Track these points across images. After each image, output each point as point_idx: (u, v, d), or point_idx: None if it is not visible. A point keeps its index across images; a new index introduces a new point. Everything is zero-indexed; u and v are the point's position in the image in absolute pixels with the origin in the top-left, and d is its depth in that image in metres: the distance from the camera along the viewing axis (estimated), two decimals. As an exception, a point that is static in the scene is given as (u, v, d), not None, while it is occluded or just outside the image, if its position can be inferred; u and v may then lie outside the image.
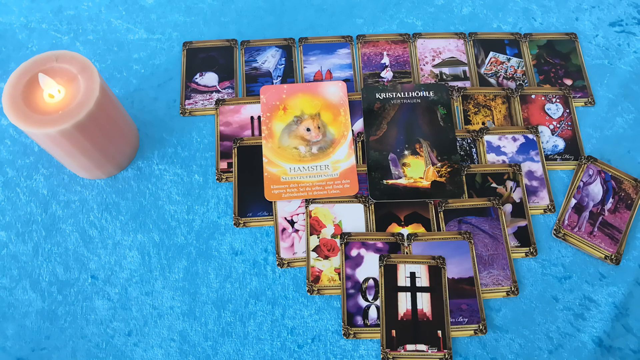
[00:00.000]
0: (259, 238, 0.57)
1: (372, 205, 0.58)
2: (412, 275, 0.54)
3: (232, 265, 0.56)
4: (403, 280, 0.54)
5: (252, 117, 0.63)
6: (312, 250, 0.56)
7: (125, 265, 0.56)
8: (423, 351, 0.52)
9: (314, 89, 0.64)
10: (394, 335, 0.52)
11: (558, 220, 0.58)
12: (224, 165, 0.60)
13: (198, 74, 0.65)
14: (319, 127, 0.61)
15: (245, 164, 0.60)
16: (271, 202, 0.58)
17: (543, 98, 0.64)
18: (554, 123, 0.63)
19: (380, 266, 0.55)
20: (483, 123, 0.63)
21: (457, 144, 0.61)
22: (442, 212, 0.58)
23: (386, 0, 0.71)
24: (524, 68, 0.67)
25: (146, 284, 0.55)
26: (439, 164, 0.60)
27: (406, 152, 0.60)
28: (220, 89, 0.65)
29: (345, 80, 0.65)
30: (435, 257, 0.55)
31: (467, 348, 0.53)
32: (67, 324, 0.54)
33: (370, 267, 0.55)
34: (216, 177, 0.60)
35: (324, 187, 0.58)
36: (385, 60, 0.67)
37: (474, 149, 0.61)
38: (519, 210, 0.58)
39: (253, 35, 0.68)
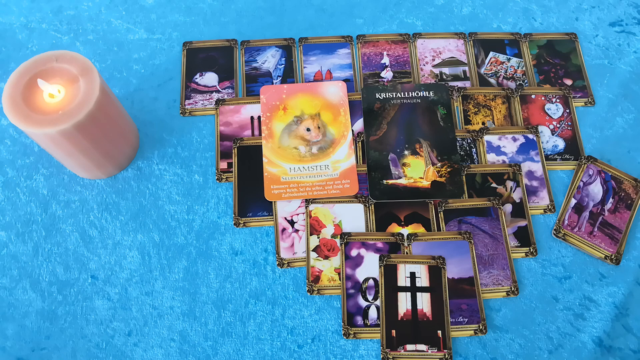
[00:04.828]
0: (259, 238, 0.57)
1: (372, 205, 0.58)
2: (412, 275, 0.54)
3: (232, 265, 0.56)
4: (403, 280, 0.54)
5: (252, 117, 0.63)
6: (312, 250, 0.56)
7: (125, 265, 0.56)
8: (423, 351, 0.52)
9: (314, 89, 0.64)
10: (394, 335, 0.52)
11: (558, 220, 0.58)
12: (224, 165, 0.60)
13: (198, 74, 0.65)
14: (319, 127, 0.61)
15: (245, 163, 0.60)
16: (271, 202, 0.58)
17: (543, 98, 0.64)
18: (554, 123, 0.63)
19: (380, 266, 0.55)
20: (483, 123, 0.63)
21: (457, 144, 0.61)
22: (442, 212, 0.58)
23: (386, 0, 0.71)
24: (524, 68, 0.67)
25: (146, 284, 0.55)
26: (439, 164, 0.60)
27: (406, 152, 0.60)
28: (220, 89, 0.65)
29: (345, 80, 0.65)
30: (435, 257, 0.55)
31: (467, 348, 0.53)
32: (67, 324, 0.54)
33: (370, 267, 0.55)
34: (216, 177, 0.60)
35: (324, 187, 0.58)
36: (385, 60, 0.67)
37: (474, 149, 0.61)
38: (519, 210, 0.58)
39: (253, 35, 0.68)
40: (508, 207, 0.58)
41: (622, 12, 0.71)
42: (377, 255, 0.55)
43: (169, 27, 0.69)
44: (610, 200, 0.59)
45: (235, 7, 0.70)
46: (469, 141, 0.62)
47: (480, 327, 0.53)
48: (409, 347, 0.52)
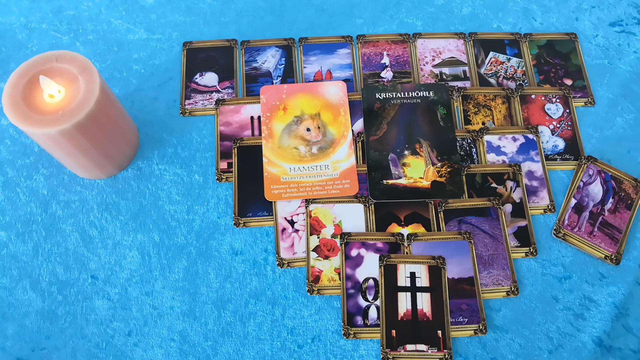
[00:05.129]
0: (259, 238, 0.57)
1: (372, 205, 0.58)
2: (412, 275, 0.54)
3: (232, 265, 0.56)
4: (403, 280, 0.54)
5: (252, 117, 0.63)
6: (312, 250, 0.56)
7: (125, 265, 0.56)
8: (423, 351, 0.52)
9: (314, 89, 0.64)
10: (394, 335, 0.52)
11: (558, 220, 0.58)
12: (224, 165, 0.60)
13: (198, 74, 0.65)
14: (319, 127, 0.61)
15: (245, 163, 0.60)
16: (271, 202, 0.58)
17: (543, 98, 0.64)
18: (554, 123, 0.63)
19: (380, 266, 0.55)
20: (483, 123, 0.63)
21: (457, 144, 0.61)
22: (442, 212, 0.58)
23: (386, 0, 0.71)
24: (524, 68, 0.67)
25: (146, 284, 0.55)
26: (439, 164, 0.60)
27: (406, 152, 0.60)
28: (220, 89, 0.65)
29: (345, 80, 0.65)
30: (435, 257, 0.55)
31: (467, 348, 0.53)
32: (67, 324, 0.54)
33: (370, 267, 0.55)
34: (216, 177, 0.60)
35: (324, 187, 0.58)
36: (385, 60, 0.67)
37: (474, 149, 0.61)
38: (519, 210, 0.58)
39: (253, 35, 0.68)
40: (508, 207, 0.58)
41: (622, 12, 0.71)
42: (377, 255, 0.55)
43: (169, 27, 0.69)
44: (610, 200, 0.59)
45: (235, 7, 0.70)
46: (469, 141, 0.62)
47: (480, 327, 0.53)
48: (409, 347, 0.52)
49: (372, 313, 0.53)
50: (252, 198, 0.58)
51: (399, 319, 0.53)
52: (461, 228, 0.57)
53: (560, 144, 0.62)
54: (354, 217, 0.58)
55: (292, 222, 0.58)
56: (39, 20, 0.69)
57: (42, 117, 0.49)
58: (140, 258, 0.56)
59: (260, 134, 0.62)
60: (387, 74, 0.66)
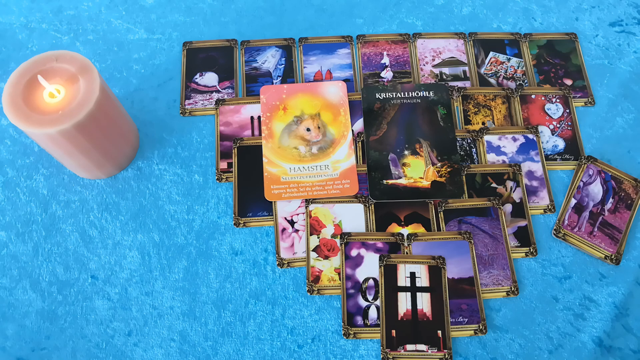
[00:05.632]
0: (259, 238, 0.57)
1: (372, 205, 0.58)
2: (412, 275, 0.54)
3: (232, 265, 0.56)
4: (403, 280, 0.54)
5: (252, 117, 0.63)
6: (312, 250, 0.56)
7: (125, 265, 0.56)
8: (423, 351, 0.52)
9: (314, 89, 0.64)
10: (394, 335, 0.52)
11: (558, 220, 0.58)
12: (224, 165, 0.60)
13: (198, 74, 0.65)
14: (319, 127, 0.61)
15: (245, 163, 0.60)
16: (271, 202, 0.58)
17: (543, 98, 0.64)
18: (554, 123, 0.63)
19: (380, 266, 0.55)
20: (483, 123, 0.63)
21: (457, 144, 0.61)
22: (442, 212, 0.58)
23: (386, 0, 0.71)
24: (524, 68, 0.67)
25: (146, 284, 0.55)
26: (439, 164, 0.60)
27: (406, 152, 0.60)
28: (220, 89, 0.65)
29: (345, 80, 0.65)
30: (435, 257, 0.55)
31: (467, 348, 0.53)
32: (67, 324, 0.54)
33: (370, 267, 0.55)
34: (216, 177, 0.60)
35: (324, 187, 0.58)
36: (385, 60, 0.67)
37: (474, 149, 0.61)
38: (519, 210, 0.58)
39: (253, 35, 0.68)
40: (508, 207, 0.58)
41: (622, 12, 0.71)
42: (377, 255, 0.55)
43: (169, 27, 0.69)
44: (610, 200, 0.59)
45: (235, 7, 0.70)
46: (469, 141, 0.62)
47: (480, 327, 0.53)
48: (409, 347, 0.52)
49: (372, 313, 0.53)
50: (252, 198, 0.58)
51: (399, 319, 0.53)
52: (461, 228, 0.57)
53: (560, 144, 0.62)
54: (354, 217, 0.58)
55: (292, 222, 0.58)
56: (39, 20, 0.69)
57: (42, 117, 0.49)
58: (140, 258, 0.56)
59: (260, 134, 0.62)
60: (387, 74, 0.66)
